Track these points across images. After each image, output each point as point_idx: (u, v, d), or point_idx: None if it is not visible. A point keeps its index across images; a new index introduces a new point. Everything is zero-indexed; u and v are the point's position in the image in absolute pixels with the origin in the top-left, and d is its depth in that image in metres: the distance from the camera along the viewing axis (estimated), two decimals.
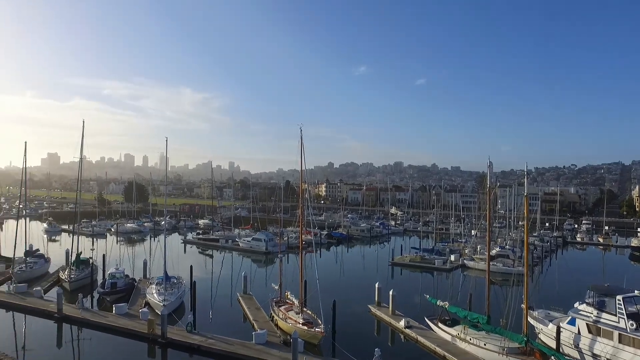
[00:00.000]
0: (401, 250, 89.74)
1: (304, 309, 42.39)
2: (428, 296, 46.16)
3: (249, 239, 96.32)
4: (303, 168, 45.25)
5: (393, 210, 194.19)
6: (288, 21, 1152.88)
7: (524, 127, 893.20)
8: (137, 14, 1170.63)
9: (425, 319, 42.64)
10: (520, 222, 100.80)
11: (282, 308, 43.49)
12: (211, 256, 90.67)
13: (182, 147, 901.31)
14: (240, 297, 51.05)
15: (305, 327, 37.77)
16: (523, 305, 35.38)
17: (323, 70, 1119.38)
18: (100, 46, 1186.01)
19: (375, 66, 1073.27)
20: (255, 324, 41.64)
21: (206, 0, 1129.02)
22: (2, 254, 69.71)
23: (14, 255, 61.96)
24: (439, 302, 42.45)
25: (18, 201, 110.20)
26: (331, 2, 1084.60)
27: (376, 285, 49.89)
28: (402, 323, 41.81)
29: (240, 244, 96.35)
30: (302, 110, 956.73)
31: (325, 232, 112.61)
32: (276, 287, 48.72)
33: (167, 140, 55.52)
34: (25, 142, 66.89)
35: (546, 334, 38.82)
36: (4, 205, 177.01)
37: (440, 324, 40.39)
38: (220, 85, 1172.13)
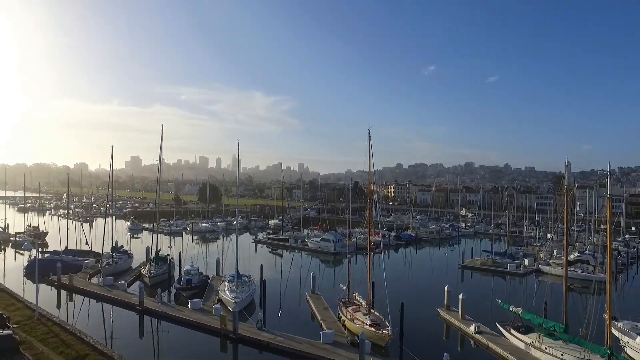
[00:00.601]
0: (472, 253, 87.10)
1: (372, 310, 42.36)
2: (500, 301, 44.51)
3: (318, 239, 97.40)
4: (371, 169, 45.31)
5: (463, 211, 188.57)
6: (354, 21, 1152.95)
7: (607, 125, 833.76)
8: (211, 24, 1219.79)
9: (497, 324, 41.19)
10: (602, 226, 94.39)
11: (349, 309, 43.71)
12: (281, 256, 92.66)
13: (253, 149, 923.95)
14: (308, 297, 51.86)
15: (373, 329, 37.72)
16: (605, 315, 33.17)
17: (391, 70, 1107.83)
18: (178, 55, 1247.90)
19: (445, 65, 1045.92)
20: (323, 324, 42.15)
21: (275, 7, 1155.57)
22: (93, 249, 75.20)
23: (102, 250, 66.80)
24: (512, 308, 40.81)
25: (105, 201, 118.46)
26: (399, 2, 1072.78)
27: (445, 289, 48.84)
28: (472, 328, 40.69)
29: (309, 244, 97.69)
30: (370, 111, 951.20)
31: (393, 234, 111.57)
32: (344, 288, 49.04)
33: (239, 143, 57.64)
34: (112, 147, 72.11)
35: (634, 348, 36.22)
36: (94, 205, 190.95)
37: (513, 331, 38.86)
38: (290, 88, 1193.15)
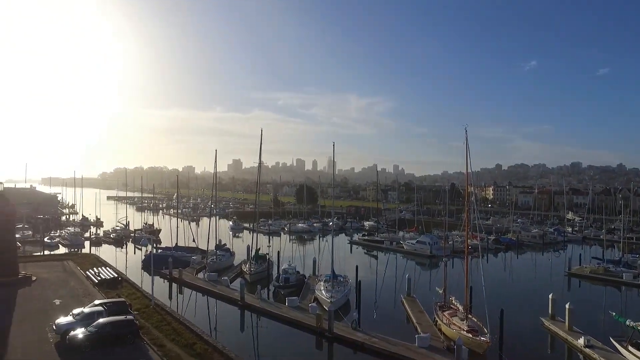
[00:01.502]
0: (580, 260, 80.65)
1: (469, 316, 41.11)
2: (614, 314, 40.90)
3: (414, 241, 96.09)
4: (469, 170, 44.00)
5: (570, 215, 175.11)
6: (450, 18, 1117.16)
7: None
8: (304, 30, 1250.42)
9: (611, 339, 37.90)
10: None
11: (446, 313, 42.80)
12: (376, 257, 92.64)
13: (349, 152, 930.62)
14: (403, 299, 51.50)
15: (470, 335, 36.64)
16: None
17: (489, 67, 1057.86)
18: (275, 62, 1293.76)
19: (547, 59, 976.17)
20: (418, 327, 41.70)
21: (366, 8, 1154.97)
22: (199, 247, 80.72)
23: (207, 248, 71.40)
24: (629, 322, 37.30)
25: (210, 202, 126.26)
26: None
27: (550, 297, 45.91)
28: (581, 341, 37.88)
29: (405, 246, 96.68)
30: (467, 111, 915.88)
31: (492, 237, 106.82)
32: (440, 291, 48.08)
33: (334, 145, 58.96)
34: (216, 151, 76.97)
35: None
36: (200, 205, 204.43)
37: (630, 347, 35.52)
38: (384, 90, 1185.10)
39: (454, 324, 39.85)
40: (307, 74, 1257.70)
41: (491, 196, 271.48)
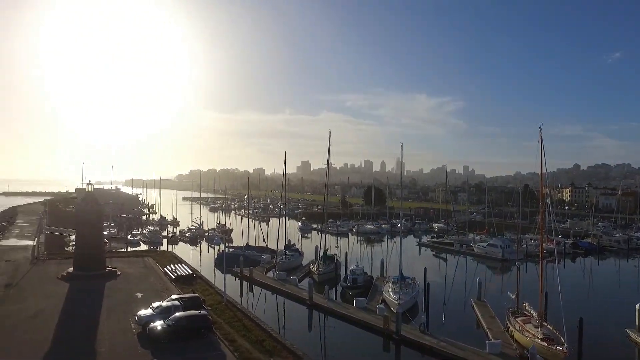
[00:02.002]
0: None
1: (544, 323, 39.28)
2: None
3: (485, 244, 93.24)
4: (543, 171, 42.17)
5: None
6: (521, 12, 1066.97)
7: None
8: (372, 29, 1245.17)
9: None
10: None
11: (519, 319, 41.22)
12: (445, 260, 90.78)
13: (417, 152, 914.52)
14: (474, 303, 50.17)
15: (545, 343, 35.06)
16: None
17: (567, 60, 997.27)
18: (343, 64, 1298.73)
19: (633, 50, 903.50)
20: (489, 333, 40.50)
21: (433, 6, 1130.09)
22: (269, 246, 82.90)
23: (277, 247, 73.17)
24: None
25: (279, 203, 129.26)
26: None
27: (637, 307, 42.79)
28: None
29: (475, 249, 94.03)
30: (543, 108, 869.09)
31: (570, 241, 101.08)
32: (513, 297, 46.32)
33: (402, 146, 58.30)
34: (285, 153, 78.71)
35: None
36: (270, 206, 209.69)
37: None
38: (454, 89, 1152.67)
39: (528, 331, 38.31)
40: (376, 74, 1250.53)
41: (568, 198, 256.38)
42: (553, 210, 58.52)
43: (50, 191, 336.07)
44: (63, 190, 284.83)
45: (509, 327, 41.43)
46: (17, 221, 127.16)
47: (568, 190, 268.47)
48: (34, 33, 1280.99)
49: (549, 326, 38.80)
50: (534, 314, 41.76)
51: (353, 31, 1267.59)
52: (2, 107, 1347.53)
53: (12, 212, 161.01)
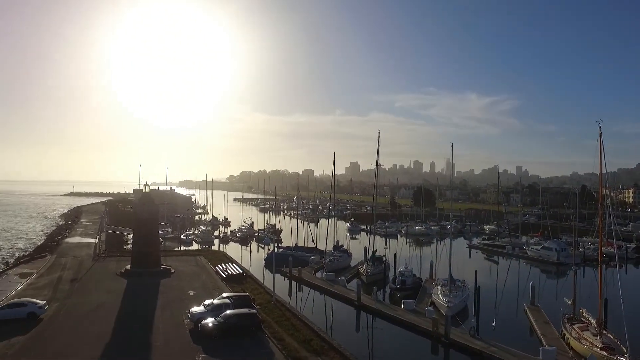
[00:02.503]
0: None
1: (604, 332, 37.54)
2: None
3: (538, 247, 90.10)
4: (603, 171, 40.33)
5: None
6: (580, 4, 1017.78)
7: None
8: (422, 28, 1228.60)
9: None
10: None
11: (575, 326, 39.59)
12: (496, 262, 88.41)
13: (468, 153, 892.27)
14: (526, 308, 48.64)
15: (605, 353, 33.46)
16: None
17: (630, 55, 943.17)
18: (393, 64, 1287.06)
19: None
20: (542, 339, 39.18)
21: (483, 2, 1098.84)
22: (317, 247, 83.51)
23: (325, 248, 73.63)
24: None
25: (328, 204, 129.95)
26: None
27: None
28: None
29: (528, 252, 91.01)
30: (603, 105, 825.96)
31: (632, 245, 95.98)
32: (569, 302, 44.51)
33: (452, 146, 57.35)
34: (334, 154, 78.98)
35: None
36: (319, 207, 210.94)
37: None
38: (507, 87, 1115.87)
39: (586, 339, 36.73)
40: (427, 74, 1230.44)
41: (631, 200, 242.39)
42: (614, 213, 55.71)
43: (110, 192, 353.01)
44: (122, 191, 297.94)
45: (564, 334, 39.89)
46: (81, 220, 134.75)
47: (630, 191, 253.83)
48: (97, 42, 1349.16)
49: (609, 335, 37.08)
50: (592, 322, 39.92)
51: (405, 31, 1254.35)
52: (68, 114, 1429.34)
53: (77, 212, 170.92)
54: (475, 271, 55.35)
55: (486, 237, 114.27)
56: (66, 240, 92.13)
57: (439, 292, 51.02)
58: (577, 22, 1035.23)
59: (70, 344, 33.30)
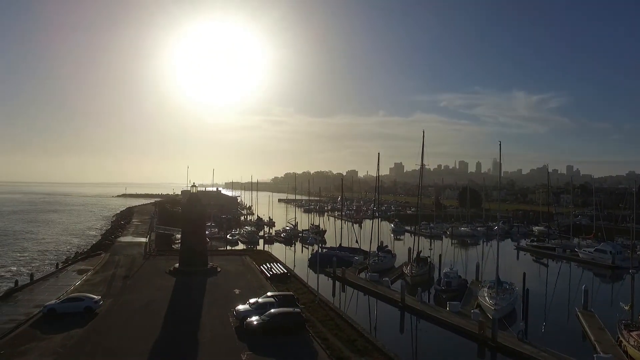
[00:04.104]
0: None
1: None
2: None
3: (591, 249, 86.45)
4: None
5: None
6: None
7: None
8: (468, 27, 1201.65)
9: None
10: None
11: (633, 333, 37.69)
12: (546, 265, 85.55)
13: (515, 152, 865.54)
14: (579, 313, 46.83)
15: None
16: None
17: None
18: (439, 63, 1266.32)
19: None
20: (597, 346, 37.63)
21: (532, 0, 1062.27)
22: (361, 247, 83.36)
23: (369, 249, 73.43)
24: None
25: (372, 204, 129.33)
26: None
27: None
28: None
29: (580, 255, 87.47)
30: None
31: None
32: (626, 308, 42.48)
33: (500, 145, 55.78)
34: (378, 154, 78.63)
35: None
36: (363, 207, 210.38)
37: None
38: (557, 84, 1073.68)
39: None
40: (472, 73, 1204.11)
41: None
42: None
43: (159, 193, 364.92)
44: (171, 193, 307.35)
45: (621, 341, 38.13)
46: (133, 220, 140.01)
47: None
48: (149, 53, 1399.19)
49: None
50: None
51: (448, 30, 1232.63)
52: (119, 120, 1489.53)
53: (129, 212, 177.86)
54: (524, 273, 53.91)
55: (535, 239, 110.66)
56: (119, 239, 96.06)
57: (486, 294, 49.90)
58: (629, 15, 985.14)
59: (123, 338, 34.79)
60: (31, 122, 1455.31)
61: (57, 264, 68.92)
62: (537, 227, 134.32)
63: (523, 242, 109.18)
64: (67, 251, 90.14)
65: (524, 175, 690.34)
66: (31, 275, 57.01)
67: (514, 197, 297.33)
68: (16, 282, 53.97)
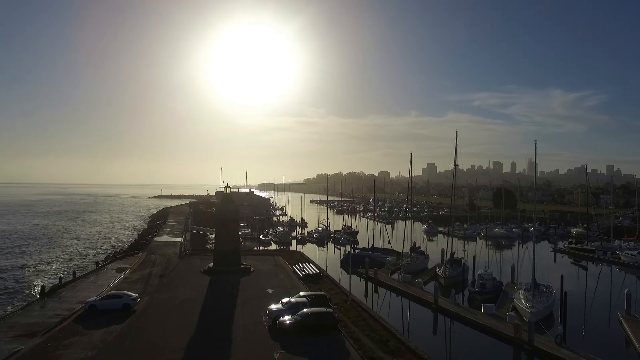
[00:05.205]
0: None
1: None
2: None
3: (634, 252, 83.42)
4: None
5: None
6: None
7: None
8: (502, 25, 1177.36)
9: None
10: None
11: None
12: (585, 268, 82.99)
13: (552, 152, 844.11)
14: (621, 318, 45.20)
15: None
16: None
17: None
18: (472, 62, 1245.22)
19: None
20: None
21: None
22: (394, 248, 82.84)
23: (402, 250, 72.99)
24: None
25: (405, 205, 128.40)
26: None
27: None
28: None
29: (622, 258, 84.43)
30: None
31: None
32: None
33: (535, 144, 54.57)
34: (411, 154, 77.94)
35: None
36: (395, 208, 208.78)
37: None
38: (596, 81, 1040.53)
39: None
40: (507, 71, 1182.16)
41: None
42: None
43: (194, 194, 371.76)
44: (205, 194, 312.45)
45: None
46: (168, 220, 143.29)
47: None
48: (185, 57, 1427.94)
49: None
50: None
51: (481, 28, 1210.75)
52: (155, 122, 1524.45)
53: (165, 213, 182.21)
54: (562, 276, 52.36)
55: (573, 241, 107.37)
56: (155, 239, 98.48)
57: (522, 296, 48.77)
58: None
59: (159, 335, 35.69)
60: (74, 127, 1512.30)
61: (97, 263, 71.35)
62: (575, 229, 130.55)
63: (560, 244, 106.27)
64: (107, 250, 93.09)
65: (561, 176, 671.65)
66: (73, 273, 59.15)
67: (550, 198, 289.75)
68: (60, 278, 56.36)
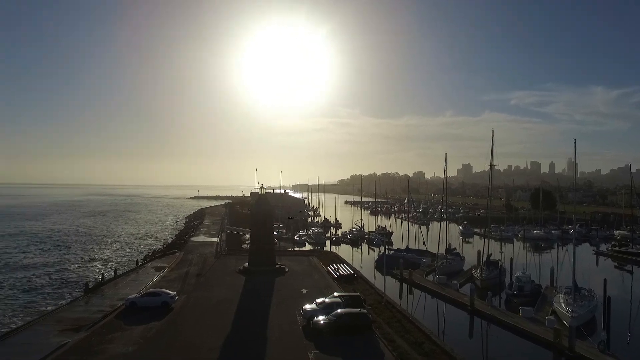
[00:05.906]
0: None
1: None
2: None
3: None
4: None
5: None
6: None
7: None
8: (538, 23, 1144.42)
9: None
10: None
11: None
12: (630, 272, 79.88)
13: (593, 152, 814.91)
14: None
15: None
16: None
17: None
18: (508, 60, 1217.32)
19: None
20: None
21: None
22: (429, 250, 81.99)
23: (437, 251, 72.19)
24: None
25: (440, 206, 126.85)
26: None
27: None
28: None
29: None
30: None
31: None
32: None
33: (575, 142, 53.04)
34: (446, 155, 77.07)
35: None
36: (430, 209, 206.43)
37: None
38: None
39: None
40: (544, 69, 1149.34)
41: None
42: None
43: (229, 195, 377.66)
44: (240, 194, 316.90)
45: None
46: (205, 221, 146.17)
47: None
48: (221, 61, 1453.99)
49: None
50: None
51: (517, 25, 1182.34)
52: (193, 124, 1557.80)
53: (201, 213, 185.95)
54: (604, 280, 50.59)
55: (617, 244, 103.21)
56: (192, 238, 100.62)
57: (562, 300, 47.41)
58: None
59: (196, 332, 36.55)
60: (114, 129, 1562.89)
61: (137, 261, 73.64)
62: (619, 231, 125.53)
63: (603, 247, 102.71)
64: (146, 249, 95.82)
65: (603, 176, 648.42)
66: (115, 271, 61.27)
67: (591, 198, 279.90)
68: (102, 276, 58.58)
